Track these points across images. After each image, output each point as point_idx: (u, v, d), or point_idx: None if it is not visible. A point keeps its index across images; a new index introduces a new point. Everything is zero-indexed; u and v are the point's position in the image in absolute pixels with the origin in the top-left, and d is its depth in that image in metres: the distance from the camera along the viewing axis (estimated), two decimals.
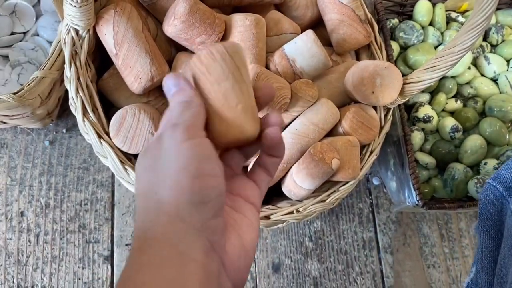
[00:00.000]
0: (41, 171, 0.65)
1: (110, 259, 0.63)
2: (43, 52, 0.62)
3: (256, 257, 0.67)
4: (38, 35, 0.64)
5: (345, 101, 0.57)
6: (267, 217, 0.51)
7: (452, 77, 0.67)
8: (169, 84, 0.30)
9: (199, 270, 0.25)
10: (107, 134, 0.50)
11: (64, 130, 0.67)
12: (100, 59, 0.58)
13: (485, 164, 0.62)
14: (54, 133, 0.67)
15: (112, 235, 0.64)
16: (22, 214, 0.63)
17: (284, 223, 0.52)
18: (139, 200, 0.28)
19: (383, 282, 0.69)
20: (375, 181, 0.73)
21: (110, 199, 0.65)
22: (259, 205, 0.34)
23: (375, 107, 0.57)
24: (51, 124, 0.66)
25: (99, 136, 0.49)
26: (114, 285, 0.24)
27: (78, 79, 0.50)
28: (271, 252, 0.67)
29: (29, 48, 0.61)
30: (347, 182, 0.54)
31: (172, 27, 0.49)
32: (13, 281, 0.61)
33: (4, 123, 0.58)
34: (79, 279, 0.62)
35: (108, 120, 0.52)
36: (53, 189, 0.65)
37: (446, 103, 0.66)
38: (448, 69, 0.46)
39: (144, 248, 0.25)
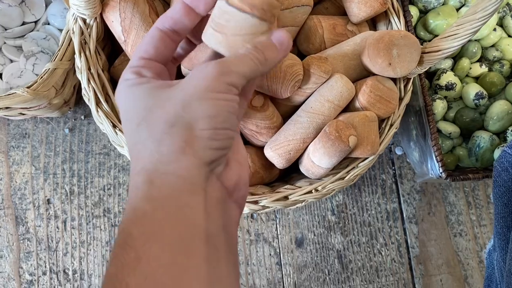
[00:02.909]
0: (63, 159, 0.66)
1: None
2: (55, 40, 0.62)
3: (279, 233, 0.67)
4: (48, 24, 0.63)
5: (362, 74, 0.55)
6: (285, 198, 0.51)
7: (476, 40, 0.63)
8: None
9: (204, 197, 0.27)
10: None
11: (82, 117, 0.68)
12: (110, 46, 0.58)
13: None
14: (73, 120, 0.67)
15: None
16: (48, 201, 0.65)
17: (303, 203, 0.52)
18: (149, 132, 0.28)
19: (409, 253, 0.69)
20: (398, 151, 0.71)
21: None
22: (239, 129, 0.36)
23: (394, 78, 0.54)
24: (69, 112, 0.67)
25: (114, 126, 0.49)
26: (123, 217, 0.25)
27: (89, 68, 0.50)
28: (294, 227, 0.68)
29: (41, 38, 0.61)
30: (367, 158, 0.53)
31: None
32: (45, 266, 0.63)
33: (23, 114, 0.59)
34: (107, 261, 0.64)
35: None
36: (76, 175, 0.66)
37: (470, 68, 0.63)
38: (469, 36, 0.44)
39: (153, 181, 0.26)
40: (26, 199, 0.65)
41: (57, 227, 0.64)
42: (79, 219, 0.65)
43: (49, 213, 0.65)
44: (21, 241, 0.64)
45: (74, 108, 0.67)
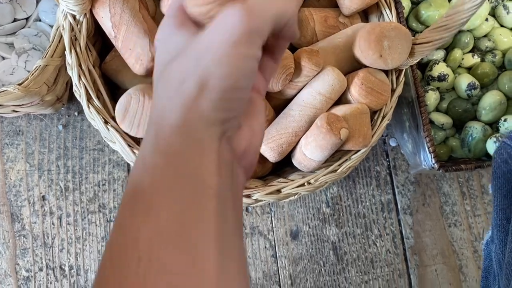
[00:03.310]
0: (57, 155, 0.66)
1: None
2: (47, 37, 0.62)
3: (274, 226, 0.67)
4: (40, 20, 0.63)
5: (354, 66, 0.55)
6: (278, 191, 0.51)
7: (468, 30, 0.63)
8: None
9: (215, 156, 0.26)
10: (114, 118, 0.50)
11: (76, 113, 0.68)
12: (101, 41, 0.57)
13: (504, 121, 0.59)
14: (67, 116, 0.67)
15: None
16: (43, 198, 0.65)
17: (296, 196, 0.52)
18: (160, 85, 0.27)
19: (403, 243, 0.69)
20: (392, 143, 0.72)
21: (127, 178, 0.67)
22: (264, 93, 0.34)
23: (385, 70, 0.54)
24: (62, 109, 0.67)
25: (106, 122, 0.49)
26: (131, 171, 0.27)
27: (80, 65, 0.50)
28: (289, 220, 0.68)
29: (33, 34, 0.61)
30: (359, 150, 0.53)
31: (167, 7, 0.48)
32: (41, 262, 0.64)
33: (16, 111, 0.59)
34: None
35: (115, 103, 0.52)
36: (70, 172, 0.66)
37: (463, 58, 0.63)
38: (458, 27, 0.44)
39: (164, 137, 0.25)
40: (21, 196, 0.65)
41: (53, 224, 0.65)
42: (75, 215, 0.65)
43: (44, 210, 0.65)
44: (17, 238, 0.64)
45: (67, 105, 0.67)
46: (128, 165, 0.67)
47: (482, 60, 0.63)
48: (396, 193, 0.71)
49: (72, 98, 0.67)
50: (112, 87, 0.57)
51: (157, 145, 0.25)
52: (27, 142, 0.67)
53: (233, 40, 0.25)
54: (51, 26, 0.62)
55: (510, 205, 0.46)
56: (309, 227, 0.68)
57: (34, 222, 0.65)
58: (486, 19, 0.63)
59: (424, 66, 0.64)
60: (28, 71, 0.60)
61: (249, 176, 0.31)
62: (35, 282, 0.63)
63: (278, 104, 0.55)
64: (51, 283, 0.63)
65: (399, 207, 0.70)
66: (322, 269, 0.67)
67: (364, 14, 0.61)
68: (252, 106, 0.31)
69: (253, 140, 0.30)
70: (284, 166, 0.59)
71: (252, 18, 0.25)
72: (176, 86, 0.26)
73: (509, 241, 0.45)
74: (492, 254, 0.51)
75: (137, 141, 0.51)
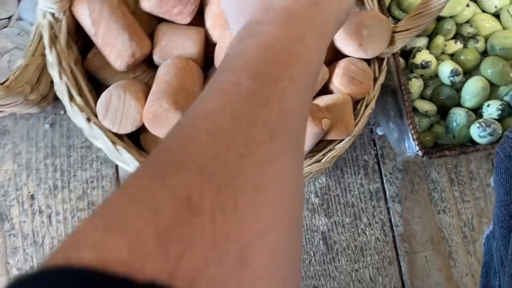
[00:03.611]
0: (45, 154, 0.67)
1: None
2: (29, 36, 0.62)
3: None
4: (22, 19, 0.63)
5: (335, 56, 0.55)
6: None
7: (450, 17, 0.63)
8: None
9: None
10: (96, 116, 0.50)
11: (62, 112, 0.68)
12: (84, 39, 0.57)
13: (488, 106, 0.59)
14: (53, 115, 0.68)
15: None
16: (32, 197, 0.66)
17: None
18: None
19: (393, 231, 0.70)
20: (379, 131, 0.72)
21: (114, 175, 0.67)
22: None
23: (367, 59, 0.55)
24: (48, 107, 0.67)
25: (88, 120, 0.49)
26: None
27: (60, 63, 0.50)
28: None
29: (15, 34, 0.61)
30: (343, 140, 0.53)
31: (146, 3, 0.48)
32: (32, 261, 0.64)
33: (1, 111, 0.59)
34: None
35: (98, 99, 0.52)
36: (59, 170, 0.66)
37: (445, 45, 0.63)
38: (435, 13, 0.44)
39: (251, 29, 0.29)
40: (9, 195, 0.65)
41: (42, 222, 0.65)
42: (64, 213, 0.65)
43: (33, 209, 0.65)
44: (7, 237, 0.64)
45: (53, 103, 0.67)
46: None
47: (465, 46, 0.63)
48: (384, 181, 0.71)
49: (57, 97, 0.67)
50: (95, 84, 0.57)
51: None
52: (14, 141, 0.67)
53: None
54: (33, 25, 0.62)
55: None
56: (302, 217, 0.68)
57: (24, 221, 0.65)
58: (468, 5, 0.63)
59: (407, 53, 0.64)
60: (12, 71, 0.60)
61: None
62: None
63: None
64: None
65: (387, 195, 0.71)
66: (312, 259, 0.67)
67: None
68: None
69: None
70: None
71: None
72: None
73: None
74: (492, 250, 0.51)
75: (121, 136, 0.51)
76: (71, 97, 0.49)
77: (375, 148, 0.72)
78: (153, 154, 0.21)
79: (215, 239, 0.17)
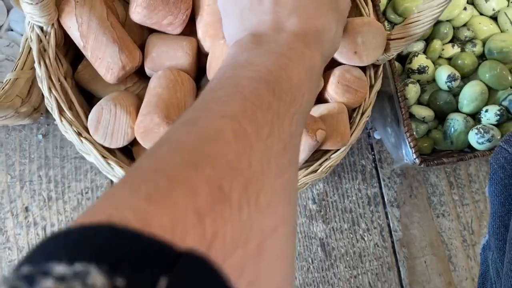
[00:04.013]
0: (38, 165, 0.66)
1: None
2: (19, 47, 0.61)
3: None
4: (12, 30, 0.62)
5: (331, 64, 0.54)
6: None
7: (447, 20, 0.62)
8: None
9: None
10: (87, 130, 0.49)
11: (55, 122, 0.67)
12: (74, 51, 0.56)
13: (486, 111, 0.59)
14: (46, 126, 0.67)
15: None
16: (26, 209, 0.65)
17: None
18: None
19: (391, 236, 0.69)
20: (377, 136, 0.71)
21: (109, 185, 0.66)
22: None
23: (362, 66, 0.54)
24: (41, 118, 0.66)
25: (79, 134, 0.48)
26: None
27: (50, 77, 0.49)
28: None
29: (4, 45, 0.60)
30: (339, 149, 0.53)
31: (136, 14, 0.47)
32: None
33: None
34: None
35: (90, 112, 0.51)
36: (53, 181, 0.66)
37: (442, 49, 0.62)
38: (431, 22, 0.43)
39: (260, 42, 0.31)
40: (3, 208, 0.65)
41: (37, 234, 0.64)
42: (59, 224, 0.65)
43: (28, 221, 0.65)
44: (2, 251, 0.64)
45: (46, 114, 0.67)
46: None
47: (462, 50, 0.62)
48: (383, 186, 0.70)
49: None
50: (88, 95, 0.56)
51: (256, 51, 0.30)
52: (7, 153, 0.66)
53: None
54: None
55: (508, 212, 0.45)
56: (296, 225, 0.68)
57: (19, 233, 0.64)
58: (465, 8, 0.62)
59: (404, 58, 0.63)
60: (2, 83, 0.59)
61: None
62: None
63: None
64: None
65: (385, 200, 0.70)
66: (311, 266, 0.67)
67: None
68: None
69: None
70: None
71: None
72: None
73: (508, 251, 0.43)
74: (488, 261, 0.50)
75: (112, 151, 0.50)
76: (61, 112, 0.49)
77: (372, 152, 0.71)
78: (181, 139, 0.22)
79: (241, 227, 0.19)
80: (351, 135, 0.52)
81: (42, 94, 0.61)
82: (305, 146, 0.48)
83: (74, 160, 0.66)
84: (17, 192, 0.65)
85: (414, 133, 0.59)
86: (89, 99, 0.57)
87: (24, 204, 0.65)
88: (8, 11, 0.62)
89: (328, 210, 0.69)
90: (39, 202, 0.65)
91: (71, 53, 0.56)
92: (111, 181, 0.66)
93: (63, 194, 0.65)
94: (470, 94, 0.58)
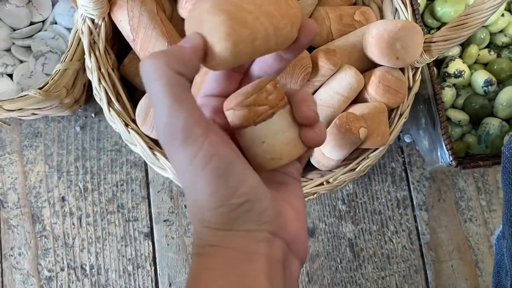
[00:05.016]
0: (75, 157, 0.67)
1: (150, 235, 0.66)
2: (63, 39, 0.62)
3: None
4: (56, 23, 0.64)
5: (370, 64, 0.55)
6: None
7: (484, 26, 0.63)
8: None
9: (265, 264, 0.26)
10: (134, 121, 0.50)
11: (93, 115, 0.68)
12: (119, 44, 0.58)
13: None
14: (84, 118, 0.68)
15: (150, 213, 0.66)
16: (63, 199, 0.66)
17: (315, 195, 0.53)
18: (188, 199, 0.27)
19: (419, 239, 0.69)
20: (407, 139, 0.72)
21: (144, 178, 0.67)
22: (300, 178, 0.34)
23: (402, 68, 0.54)
24: (79, 110, 0.68)
25: (126, 125, 0.49)
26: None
27: (99, 68, 0.50)
28: None
29: (50, 38, 0.62)
30: (377, 149, 0.53)
31: (185, 10, 0.48)
32: (63, 262, 0.65)
33: (35, 114, 0.60)
34: (123, 256, 0.65)
35: (134, 105, 0.52)
36: (89, 173, 0.67)
37: (479, 54, 0.62)
38: (478, 26, 0.44)
39: (202, 252, 0.26)
40: (41, 197, 0.66)
41: (73, 224, 0.66)
42: (94, 215, 0.66)
43: (64, 211, 0.66)
44: (39, 239, 0.65)
45: (84, 106, 0.68)
46: (146, 164, 0.67)
47: (498, 55, 0.63)
48: (412, 189, 0.71)
49: (89, 99, 0.68)
50: (130, 89, 0.58)
51: (202, 263, 0.26)
52: (45, 144, 0.67)
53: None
54: (67, 29, 0.63)
55: None
56: (326, 224, 0.69)
57: (55, 222, 0.66)
58: (502, 15, 0.63)
59: (439, 62, 0.64)
60: (46, 74, 0.61)
61: (303, 262, 0.30)
62: (57, 282, 0.65)
63: None
64: (72, 282, 0.65)
65: (414, 203, 0.70)
66: (339, 266, 0.67)
67: (379, 11, 0.60)
68: (292, 191, 0.31)
69: (300, 221, 0.30)
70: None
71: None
72: (194, 212, 0.26)
73: None
74: (503, 250, 0.51)
75: (158, 143, 0.51)
76: (109, 102, 0.50)
77: (402, 155, 0.72)
78: None
79: None
80: (389, 135, 0.53)
81: (84, 86, 0.63)
82: (347, 143, 0.49)
83: (110, 152, 0.68)
84: (54, 182, 0.66)
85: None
86: (130, 93, 0.58)
87: (60, 194, 0.66)
88: (53, 4, 0.64)
89: (357, 211, 0.69)
90: (75, 193, 0.66)
91: (116, 47, 0.57)
92: (146, 175, 0.67)
93: (99, 185, 0.67)
94: (506, 99, 0.59)
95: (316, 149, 0.52)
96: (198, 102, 0.27)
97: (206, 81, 0.31)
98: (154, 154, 0.49)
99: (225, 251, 0.26)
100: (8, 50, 0.63)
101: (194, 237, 0.27)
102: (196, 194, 0.25)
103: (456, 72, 0.61)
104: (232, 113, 0.28)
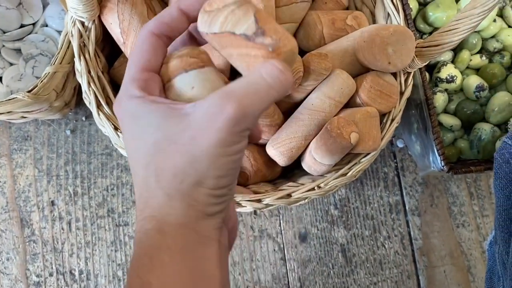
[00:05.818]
0: (66, 160, 0.67)
1: None
2: (54, 42, 0.62)
3: (282, 228, 0.67)
4: (46, 26, 0.63)
5: (362, 68, 0.54)
6: (288, 195, 0.51)
7: (476, 31, 0.63)
8: None
9: (216, 247, 0.28)
10: None
11: (83, 118, 0.68)
12: (109, 47, 0.57)
13: None
14: (74, 121, 0.68)
15: None
16: (52, 203, 0.65)
17: (306, 200, 0.52)
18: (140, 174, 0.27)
19: (412, 245, 0.69)
20: (400, 144, 0.71)
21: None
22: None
23: (394, 72, 0.54)
24: (70, 113, 0.67)
25: (116, 129, 0.49)
26: (131, 262, 0.27)
27: (89, 71, 0.50)
28: (297, 222, 0.68)
29: (40, 40, 0.61)
30: (368, 153, 0.53)
31: None
32: (52, 267, 0.64)
33: (25, 117, 0.59)
34: (113, 261, 0.65)
35: None
36: (79, 177, 0.66)
37: (470, 60, 0.63)
38: (469, 31, 0.44)
39: (166, 231, 0.26)
40: (30, 201, 0.65)
41: (62, 229, 0.65)
42: (84, 220, 0.65)
43: (53, 215, 0.65)
44: (27, 243, 0.64)
45: (74, 109, 0.67)
46: None
47: (490, 61, 0.63)
48: (404, 194, 0.71)
49: (79, 103, 0.67)
50: None
51: (160, 240, 0.26)
52: (35, 147, 0.67)
53: (226, 141, 0.25)
54: (58, 32, 0.62)
55: None
56: (318, 229, 0.68)
57: (44, 227, 0.65)
58: (494, 20, 0.63)
59: (432, 67, 0.64)
60: (36, 77, 0.60)
61: (230, 249, 0.33)
62: (45, 287, 0.64)
63: (287, 108, 0.55)
64: None
65: (407, 208, 0.70)
66: (331, 271, 0.67)
67: (372, 16, 0.60)
68: None
69: (234, 213, 0.33)
70: (293, 169, 0.59)
71: (243, 119, 0.25)
72: (174, 185, 0.26)
73: None
74: (495, 255, 0.51)
75: None
76: (99, 106, 0.49)
77: (395, 160, 0.72)
78: None
79: None
80: (381, 140, 0.53)
81: (74, 90, 0.62)
82: (338, 148, 0.48)
83: (101, 156, 0.67)
84: (43, 186, 0.66)
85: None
86: None
87: (50, 198, 0.66)
88: (44, 7, 0.63)
89: (349, 216, 0.69)
90: (65, 197, 0.66)
91: (106, 50, 0.57)
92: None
93: (89, 189, 0.66)
94: (498, 105, 0.59)
95: (307, 154, 0.52)
96: (138, 76, 0.28)
97: (139, 49, 0.30)
98: None
99: (189, 232, 0.27)
100: None
101: (162, 211, 0.27)
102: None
103: (448, 77, 0.61)
104: (165, 67, 0.29)
